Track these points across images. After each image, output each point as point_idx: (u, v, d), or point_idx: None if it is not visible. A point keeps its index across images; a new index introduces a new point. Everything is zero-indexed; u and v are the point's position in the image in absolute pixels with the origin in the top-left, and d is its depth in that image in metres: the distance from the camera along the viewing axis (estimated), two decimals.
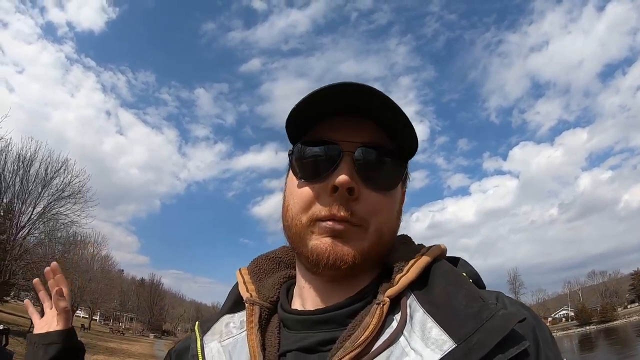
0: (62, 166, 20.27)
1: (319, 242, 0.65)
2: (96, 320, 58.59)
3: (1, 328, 5.09)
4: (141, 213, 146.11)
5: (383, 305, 0.62)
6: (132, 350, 28.65)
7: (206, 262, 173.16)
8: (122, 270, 74.60)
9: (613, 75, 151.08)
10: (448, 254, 0.74)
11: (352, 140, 0.67)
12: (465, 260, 0.76)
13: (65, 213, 20.42)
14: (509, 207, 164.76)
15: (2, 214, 18.71)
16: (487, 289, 0.71)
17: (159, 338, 65.77)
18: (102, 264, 44.77)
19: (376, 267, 0.71)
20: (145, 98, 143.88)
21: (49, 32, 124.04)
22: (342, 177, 0.63)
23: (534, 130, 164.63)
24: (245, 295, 0.75)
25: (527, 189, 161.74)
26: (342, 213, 0.64)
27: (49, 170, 19.85)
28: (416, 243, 0.77)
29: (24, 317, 27.33)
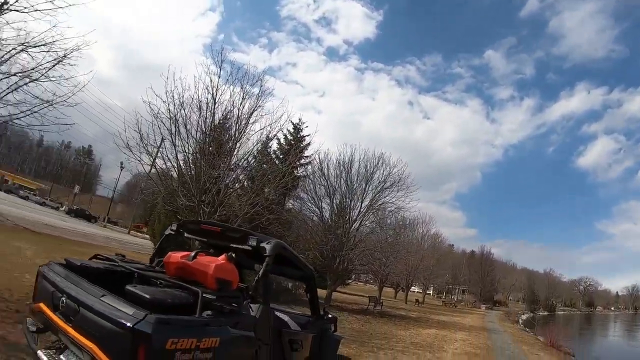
0: (379, 161, 21.09)
1: None
2: (429, 294, 62.18)
3: (330, 316, 5.12)
4: (463, 188, 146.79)
5: None
6: (463, 323, 27.51)
7: (536, 226, 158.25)
8: (452, 245, 76.58)
9: None
10: None
11: None
12: None
13: (390, 201, 21.20)
14: None
15: (336, 212, 20.51)
16: None
17: (491, 309, 63.87)
18: (432, 242, 46.09)
19: None
20: (440, 78, 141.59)
21: (332, 55, 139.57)
22: None
23: None
24: None
25: None
26: None
27: (368, 167, 20.95)
28: None
29: (363, 296, 30.61)
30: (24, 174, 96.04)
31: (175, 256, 3.73)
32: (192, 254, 3.64)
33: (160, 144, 12.43)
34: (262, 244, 3.90)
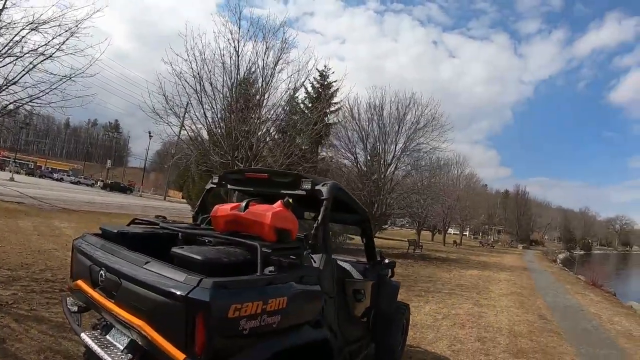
0: (410, 102, 20.43)
1: None
2: (466, 235, 62.12)
3: (387, 262, 4.77)
4: (495, 127, 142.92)
5: None
6: (503, 263, 27.55)
7: (570, 164, 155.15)
8: (486, 185, 75.33)
9: None
10: None
11: None
12: None
13: (425, 142, 20.71)
14: None
15: (370, 157, 20.30)
16: None
17: (527, 249, 63.99)
18: (467, 182, 45.39)
19: None
20: (463, 15, 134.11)
21: None
22: None
23: None
24: None
25: None
26: None
27: (400, 108, 20.29)
28: None
29: (401, 240, 30.92)
30: (56, 157, 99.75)
31: (224, 209, 3.31)
32: (243, 203, 3.21)
33: (187, 105, 12.23)
34: (318, 187, 3.46)
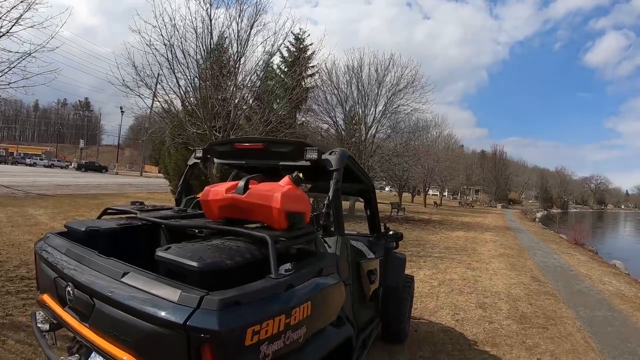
0: (389, 63, 20.00)
1: None
2: (445, 196, 63.19)
3: (393, 233, 4.35)
4: (470, 88, 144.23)
5: None
6: (486, 223, 27.64)
7: (544, 124, 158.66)
8: (462, 146, 76.12)
9: None
10: None
11: None
12: None
13: (405, 104, 20.44)
14: None
15: (349, 120, 20.03)
16: None
17: (506, 208, 65.35)
18: (446, 143, 45.70)
19: None
20: None
21: None
22: None
23: None
24: None
25: None
26: None
27: (379, 70, 19.93)
28: None
29: (382, 203, 30.84)
30: (28, 141, 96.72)
31: (218, 191, 2.61)
32: (242, 183, 2.53)
33: (158, 75, 11.74)
34: (325, 156, 2.93)
